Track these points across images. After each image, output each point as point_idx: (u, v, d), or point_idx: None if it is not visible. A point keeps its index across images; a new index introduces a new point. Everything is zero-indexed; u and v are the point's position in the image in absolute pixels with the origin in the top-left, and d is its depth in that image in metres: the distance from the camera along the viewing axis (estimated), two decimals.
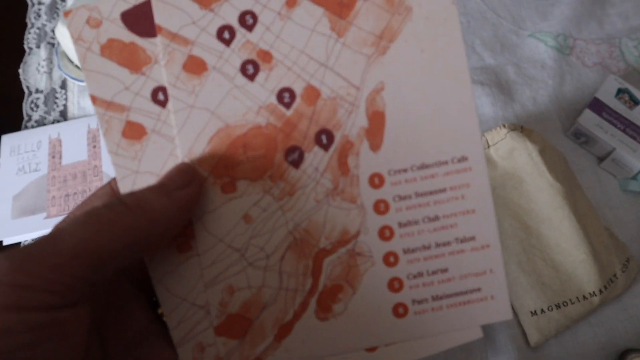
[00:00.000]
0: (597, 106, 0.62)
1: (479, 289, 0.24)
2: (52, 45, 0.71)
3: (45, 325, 0.18)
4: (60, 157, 0.62)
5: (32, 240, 0.18)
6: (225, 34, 0.24)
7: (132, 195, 0.22)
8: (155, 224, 0.21)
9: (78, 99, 0.66)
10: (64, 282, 0.19)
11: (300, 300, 0.24)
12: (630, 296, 0.55)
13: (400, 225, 0.24)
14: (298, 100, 0.24)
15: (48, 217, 0.58)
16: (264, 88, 0.24)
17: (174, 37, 0.24)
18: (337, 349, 0.23)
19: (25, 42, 0.71)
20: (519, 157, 0.55)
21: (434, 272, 0.24)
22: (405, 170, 0.24)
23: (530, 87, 0.66)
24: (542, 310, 0.53)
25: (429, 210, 0.24)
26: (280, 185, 0.24)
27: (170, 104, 0.24)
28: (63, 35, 0.63)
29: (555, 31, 0.69)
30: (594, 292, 0.52)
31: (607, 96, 0.62)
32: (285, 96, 0.24)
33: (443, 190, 0.24)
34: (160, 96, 0.24)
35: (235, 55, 0.24)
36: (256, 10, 0.23)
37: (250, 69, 0.24)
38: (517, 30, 0.70)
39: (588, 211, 0.57)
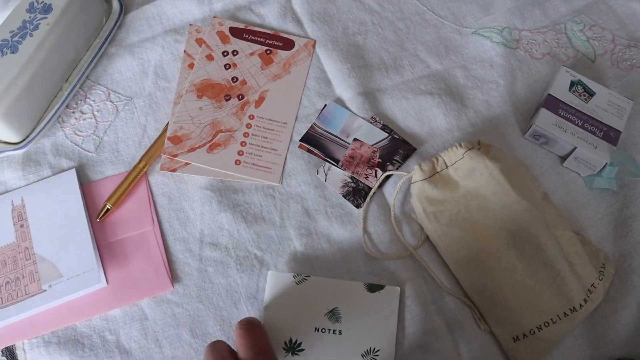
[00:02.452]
0: (553, 104, 0.59)
1: (270, 169, 0.58)
2: None
3: None
4: None
5: None
6: (227, 57, 0.64)
7: None
8: None
9: None
10: None
11: (204, 142, 0.58)
12: (610, 302, 0.53)
13: (253, 134, 0.59)
14: (238, 82, 0.61)
15: None
16: (230, 74, 0.62)
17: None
18: (209, 164, 0.57)
19: None
20: (480, 176, 0.52)
21: (257, 155, 0.58)
22: (263, 117, 0.60)
23: (482, 89, 0.63)
24: (525, 335, 0.50)
25: (266, 133, 0.59)
26: (218, 104, 0.61)
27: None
28: None
29: (499, 25, 0.66)
30: (574, 308, 0.50)
31: (560, 91, 0.59)
32: (234, 79, 0.62)
33: (273, 130, 0.60)
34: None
35: (225, 60, 0.63)
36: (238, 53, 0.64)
37: (228, 66, 0.62)
38: (459, 28, 0.66)
39: (558, 221, 0.54)
